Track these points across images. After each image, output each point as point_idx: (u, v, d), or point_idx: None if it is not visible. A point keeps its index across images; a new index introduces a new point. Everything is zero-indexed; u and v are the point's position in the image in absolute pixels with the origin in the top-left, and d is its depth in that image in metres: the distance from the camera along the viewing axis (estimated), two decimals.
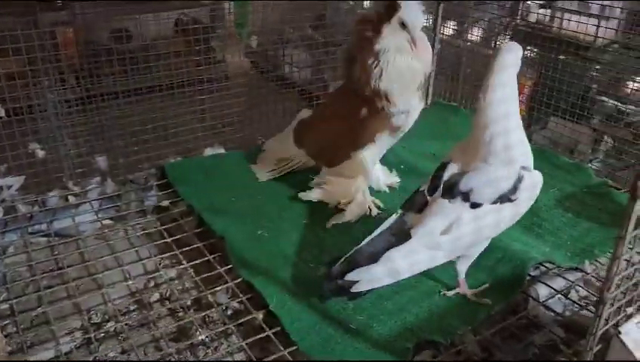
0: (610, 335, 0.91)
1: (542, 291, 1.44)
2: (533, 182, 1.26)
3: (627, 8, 2.50)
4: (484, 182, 1.23)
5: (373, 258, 1.23)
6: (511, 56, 1.22)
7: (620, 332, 0.87)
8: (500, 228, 1.30)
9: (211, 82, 2.10)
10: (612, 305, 0.86)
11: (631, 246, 0.81)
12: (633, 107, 2.49)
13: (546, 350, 1.28)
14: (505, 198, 1.23)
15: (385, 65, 1.56)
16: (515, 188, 1.23)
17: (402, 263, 1.22)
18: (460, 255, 1.32)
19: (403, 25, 1.53)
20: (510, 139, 1.22)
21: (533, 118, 2.52)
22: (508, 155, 1.22)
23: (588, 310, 1.37)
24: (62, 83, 2.12)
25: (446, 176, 1.28)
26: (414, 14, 1.52)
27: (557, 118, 2.42)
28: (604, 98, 2.56)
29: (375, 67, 1.57)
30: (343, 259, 1.27)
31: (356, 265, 1.23)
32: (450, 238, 1.23)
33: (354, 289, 1.22)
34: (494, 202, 1.23)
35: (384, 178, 1.82)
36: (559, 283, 1.46)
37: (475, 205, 1.23)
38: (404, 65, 1.57)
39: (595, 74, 2.62)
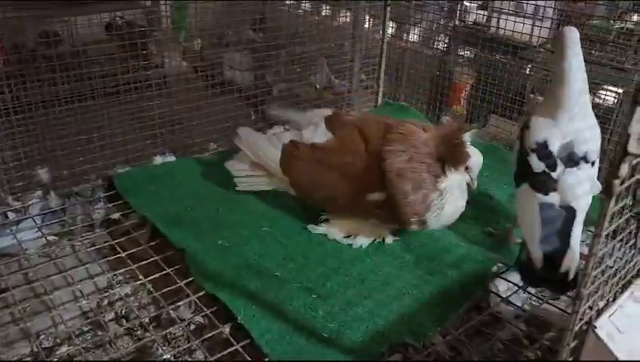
0: (582, 330, 0.94)
1: (501, 286, 1.47)
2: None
3: (559, 8, 2.61)
4: (591, 141, 1.36)
5: (564, 240, 1.29)
6: (574, 34, 1.38)
7: (595, 327, 0.89)
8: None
9: (151, 86, 2.01)
10: (587, 300, 0.88)
11: (604, 245, 0.84)
12: None
13: (511, 344, 1.31)
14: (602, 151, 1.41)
15: (444, 204, 1.53)
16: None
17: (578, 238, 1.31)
18: None
19: (466, 168, 1.55)
20: (587, 98, 1.39)
21: (473, 116, 2.59)
22: (588, 110, 1.39)
23: (548, 303, 1.41)
24: None
25: (555, 149, 1.36)
26: (479, 161, 1.58)
27: (496, 116, 2.50)
28: (539, 97, 2.67)
29: (432, 203, 1.51)
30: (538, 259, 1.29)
31: (557, 252, 1.28)
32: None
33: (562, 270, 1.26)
34: (598, 156, 1.39)
35: None
36: (517, 277, 1.49)
37: (593, 163, 1.37)
38: (459, 206, 1.57)
39: (529, 72, 2.73)
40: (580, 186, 1.34)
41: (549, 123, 1.39)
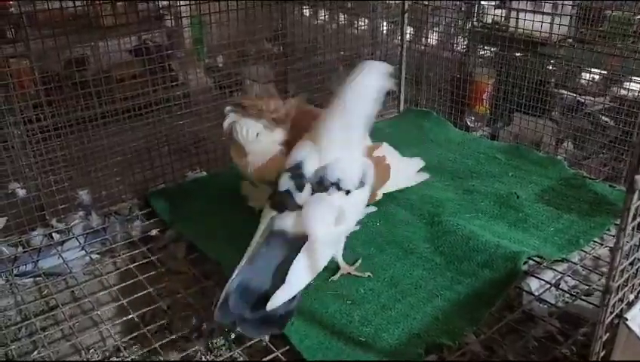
0: (614, 323, 0.96)
1: (533, 284, 1.49)
2: (371, 166, 1.43)
3: (578, 5, 2.60)
4: (345, 170, 1.35)
5: (281, 278, 1.22)
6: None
7: (626, 319, 0.91)
8: (360, 214, 1.45)
9: (176, 104, 2.08)
10: (617, 293, 0.90)
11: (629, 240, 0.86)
12: (591, 98, 2.61)
13: (545, 341, 1.33)
14: (361, 183, 1.38)
15: None
16: (364, 173, 1.39)
17: (307, 267, 1.27)
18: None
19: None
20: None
21: (497, 115, 2.60)
22: (357, 142, 1.41)
23: (582, 299, 1.42)
24: (27, 117, 2.06)
25: (307, 173, 1.34)
26: None
27: (520, 114, 2.51)
28: (562, 91, 2.67)
29: None
30: (232, 292, 1.22)
31: (262, 293, 1.22)
32: (344, 227, 1.34)
33: (269, 307, 1.19)
34: (358, 187, 1.37)
35: None
36: (549, 275, 1.51)
37: (348, 192, 1.35)
38: None
39: (552, 68, 2.72)
40: (322, 212, 1.31)
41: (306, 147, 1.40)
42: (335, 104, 1.40)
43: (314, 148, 1.38)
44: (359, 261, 1.51)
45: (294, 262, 1.24)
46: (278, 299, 1.20)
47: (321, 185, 1.32)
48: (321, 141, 1.38)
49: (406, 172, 1.81)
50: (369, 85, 1.41)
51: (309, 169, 1.34)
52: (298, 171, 1.34)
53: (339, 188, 1.33)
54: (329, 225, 1.31)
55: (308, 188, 1.33)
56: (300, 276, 1.25)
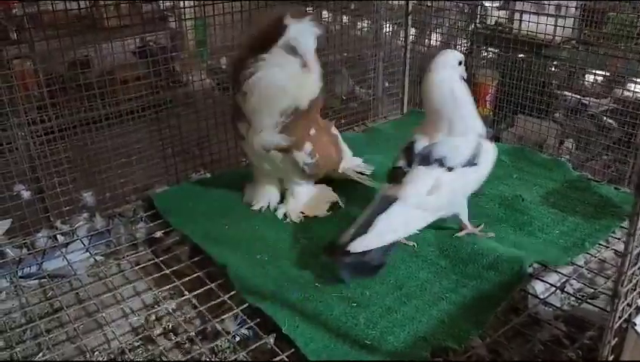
0: (622, 327, 0.95)
1: (538, 287, 1.48)
2: (488, 148, 1.54)
3: (581, 6, 2.60)
4: (452, 149, 1.49)
5: (365, 229, 1.40)
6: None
7: (635, 324, 0.91)
8: (472, 188, 1.56)
9: (179, 105, 2.08)
10: (625, 298, 0.90)
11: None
12: (594, 99, 2.61)
13: (551, 345, 1.32)
14: (470, 162, 1.49)
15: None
16: (476, 154, 1.50)
17: (392, 223, 1.42)
18: (446, 213, 1.55)
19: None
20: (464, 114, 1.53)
21: (500, 116, 2.60)
22: (464, 126, 1.52)
23: (587, 303, 1.42)
24: (32, 118, 2.06)
25: (417, 149, 1.51)
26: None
27: (523, 116, 2.51)
28: (566, 93, 2.66)
29: None
30: (341, 240, 1.40)
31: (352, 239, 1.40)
32: (434, 197, 1.46)
33: (351, 250, 1.36)
34: (464, 165, 1.49)
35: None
36: (554, 278, 1.50)
37: (450, 169, 1.48)
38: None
39: (554, 70, 2.72)
40: (416, 180, 1.47)
41: (422, 130, 1.57)
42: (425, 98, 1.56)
43: (425, 133, 1.55)
44: (482, 224, 1.64)
45: (379, 217, 1.41)
46: (357, 245, 1.38)
47: (426, 160, 1.49)
48: (428, 129, 1.55)
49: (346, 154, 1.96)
50: (445, 75, 1.52)
51: (419, 147, 1.51)
52: (409, 150, 1.53)
53: (441, 165, 1.47)
54: (420, 193, 1.45)
55: (416, 163, 1.49)
56: (382, 231, 1.40)
